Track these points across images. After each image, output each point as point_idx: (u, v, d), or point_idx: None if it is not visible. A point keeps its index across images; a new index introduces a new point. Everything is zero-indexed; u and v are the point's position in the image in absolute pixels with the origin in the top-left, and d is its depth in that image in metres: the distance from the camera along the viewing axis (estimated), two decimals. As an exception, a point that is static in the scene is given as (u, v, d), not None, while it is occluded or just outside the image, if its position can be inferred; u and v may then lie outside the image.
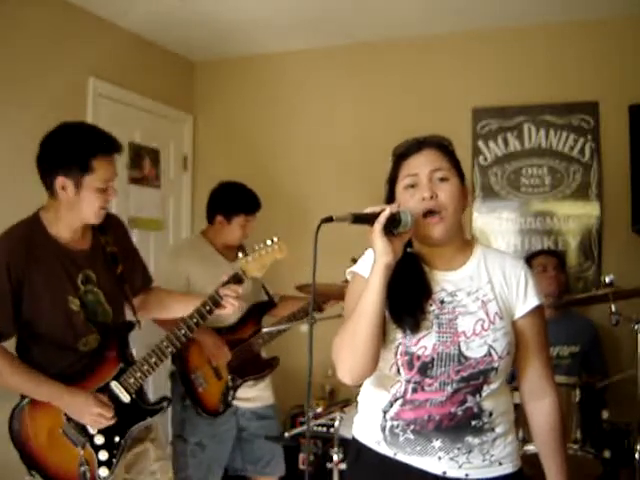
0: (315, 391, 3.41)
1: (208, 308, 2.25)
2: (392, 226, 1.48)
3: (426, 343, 1.53)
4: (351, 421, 1.74)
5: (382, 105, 4.03)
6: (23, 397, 2.12)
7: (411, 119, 3.67)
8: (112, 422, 2.11)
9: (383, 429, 1.59)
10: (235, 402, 3.03)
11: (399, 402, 1.57)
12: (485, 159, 3.87)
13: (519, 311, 1.62)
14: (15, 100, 3.17)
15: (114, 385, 2.17)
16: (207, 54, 4.36)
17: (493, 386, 1.56)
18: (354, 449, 1.69)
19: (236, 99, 4.38)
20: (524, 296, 1.62)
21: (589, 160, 3.68)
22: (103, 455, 2.11)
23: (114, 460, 2.12)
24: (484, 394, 1.55)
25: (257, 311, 3.13)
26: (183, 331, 2.24)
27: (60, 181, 2.04)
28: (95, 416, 2.07)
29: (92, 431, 2.11)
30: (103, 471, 2.10)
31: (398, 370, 1.55)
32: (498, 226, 3.85)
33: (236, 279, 2.31)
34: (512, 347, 1.58)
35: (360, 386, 1.71)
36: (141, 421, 2.20)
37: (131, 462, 2.25)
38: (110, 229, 2.27)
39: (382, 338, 1.52)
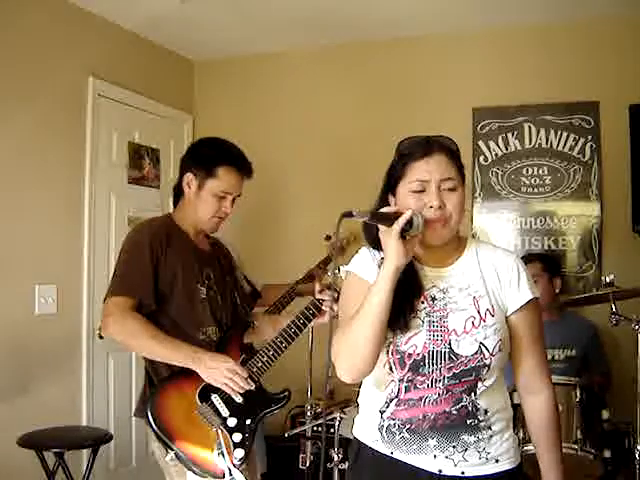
0: (315, 391, 3.41)
1: (311, 312, 2.37)
2: (404, 229, 1.48)
3: (416, 342, 1.54)
4: (351, 421, 1.74)
5: (382, 105, 4.03)
6: (151, 385, 2.21)
7: (411, 119, 3.68)
8: (248, 386, 2.16)
9: (380, 428, 1.60)
10: None
11: (394, 402, 1.57)
12: (485, 159, 3.87)
13: (512, 306, 1.61)
14: (15, 100, 3.17)
15: None
16: (207, 54, 4.36)
17: (487, 383, 1.56)
18: (354, 448, 1.69)
19: (236, 99, 4.38)
20: (517, 290, 1.61)
21: (589, 160, 3.69)
22: (237, 437, 2.16)
23: (247, 442, 2.17)
24: (479, 392, 1.55)
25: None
26: (293, 330, 2.35)
27: (188, 177, 2.32)
28: (232, 373, 2.13)
29: (224, 414, 2.16)
30: (239, 452, 2.15)
31: (391, 368, 1.55)
32: (498, 226, 3.85)
33: (331, 289, 2.44)
34: (505, 344, 1.57)
35: (359, 387, 1.72)
36: (268, 408, 2.27)
37: None
38: (222, 251, 2.50)
39: (384, 338, 1.52)
